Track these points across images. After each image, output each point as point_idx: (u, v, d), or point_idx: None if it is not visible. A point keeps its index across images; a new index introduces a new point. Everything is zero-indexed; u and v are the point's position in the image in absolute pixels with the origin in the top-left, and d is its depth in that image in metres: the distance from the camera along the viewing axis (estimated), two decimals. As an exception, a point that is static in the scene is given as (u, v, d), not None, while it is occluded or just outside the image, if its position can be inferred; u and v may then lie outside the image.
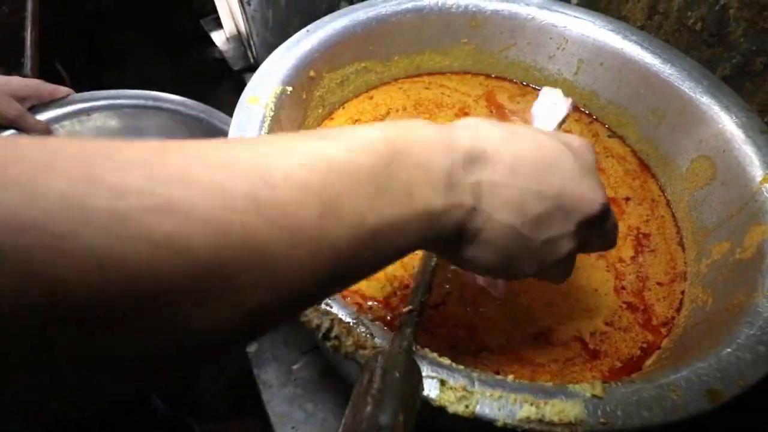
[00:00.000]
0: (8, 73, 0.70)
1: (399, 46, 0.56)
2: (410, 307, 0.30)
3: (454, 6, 0.54)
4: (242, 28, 0.84)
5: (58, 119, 0.67)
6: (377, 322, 0.32)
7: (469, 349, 0.38)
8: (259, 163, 0.17)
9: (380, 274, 0.41)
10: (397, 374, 0.22)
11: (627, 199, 0.51)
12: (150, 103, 0.70)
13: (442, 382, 0.26)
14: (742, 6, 0.47)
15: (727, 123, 0.44)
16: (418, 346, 0.28)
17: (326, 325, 0.28)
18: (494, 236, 0.23)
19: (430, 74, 0.60)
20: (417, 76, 0.60)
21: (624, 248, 0.47)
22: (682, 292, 0.44)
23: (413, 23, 0.54)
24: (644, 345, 0.41)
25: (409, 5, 0.53)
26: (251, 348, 0.61)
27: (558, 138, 0.26)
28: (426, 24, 0.55)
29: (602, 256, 0.46)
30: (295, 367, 0.60)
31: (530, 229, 0.24)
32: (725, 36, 0.50)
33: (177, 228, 0.14)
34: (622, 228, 0.48)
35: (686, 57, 0.49)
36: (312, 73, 0.49)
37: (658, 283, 0.45)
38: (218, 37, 1.12)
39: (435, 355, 0.29)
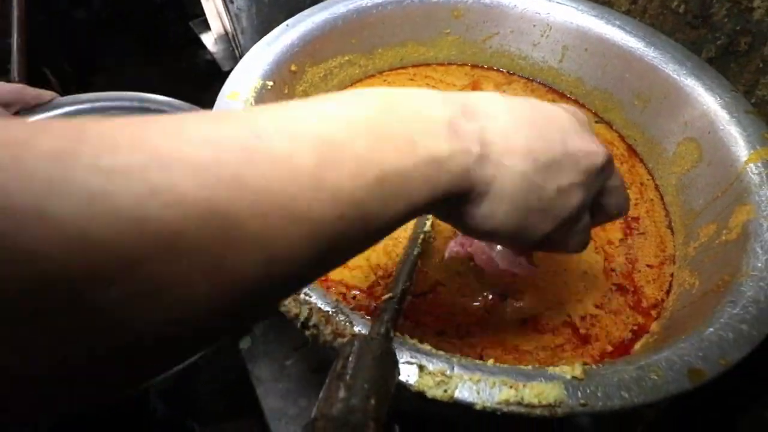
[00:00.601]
0: (-5, 78, 0.70)
1: (381, 38, 0.56)
2: (390, 294, 0.30)
3: (433, -6, 0.54)
4: (229, 27, 0.84)
5: (45, 123, 0.67)
6: (360, 312, 0.32)
7: (455, 336, 0.38)
8: (249, 119, 0.17)
9: (363, 263, 0.41)
10: (371, 359, 0.22)
11: (615, 184, 0.51)
12: (135, 104, 0.70)
13: (421, 368, 0.26)
14: (724, -14, 0.47)
15: (711, 104, 0.44)
16: (398, 333, 0.28)
17: (305, 314, 0.28)
18: (506, 186, 0.22)
19: (415, 66, 0.60)
20: (402, 68, 0.60)
21: (613, 231, 0.47)
22: (671, 275, 0.44)
23: (394, 15, 0.54)
24: (635, 327, 0.41)
25: (390, -3, 0.53)
26: (244, 344, 0.61)
27: (549, 103, 0.26)
28: (407, 15, 0.55)
29: (591, 239, 0.45)
30: (287, 363, 0.60)
31: (542, 175, 0.23)
32: (709, 17, 0.49)
33: (167, 179, 0.13)
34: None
35: (669, 40, 0.49)
36: (293, 68, 0.49)
37: (648, 266, 0.45)
38: (207, 39, 1.12)
39: (415, 341, 0.28)
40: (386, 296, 0.29)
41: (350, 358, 0.22)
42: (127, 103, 0.69)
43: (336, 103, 0.19)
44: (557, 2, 0.53)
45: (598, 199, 0.27)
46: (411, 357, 0.27)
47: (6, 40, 0.78)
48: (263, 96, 0.44)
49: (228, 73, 1.08)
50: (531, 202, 0.23)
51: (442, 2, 0.55)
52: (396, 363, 0.24)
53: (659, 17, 0.54)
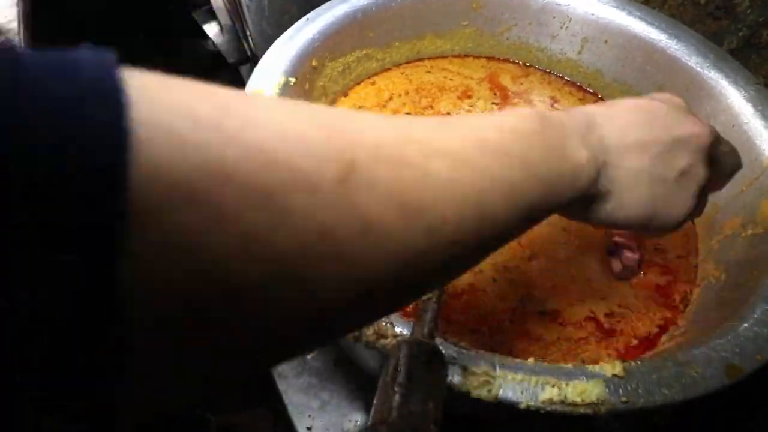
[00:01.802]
0: None
1: (399, 31, 0.55)
2: (429, 294, 0.30)
3: (452, -14, 0.54)
4: (235, 18, 0.83)
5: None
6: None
7: (486, 334, 0.39)
8: (429, 136, 0.18)
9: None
10: (422, 362, 0.22)
11: (634, 177, 0.51)
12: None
13: (465, 368, 0.26)
14: (748, -23, 0.47)
15: (735, 97, 0.44)
16: (437, 334, 0.29)
17: (346, 316, 0.28)
18: (630, 183, 0.26)
19: (431, 58, 0.60)
20: (418, 61, 0.59)
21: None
22: (695, 267, 0.45)
23: (414, 8, 0.53)
24: (661, 322, 0.41)
25: (409, -11, 0.52)
26: (264, 340, 0.62)
27: (645, 98, 0.30)
28: (426, 8, 0.54)
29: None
30: (309, 356, 0.61)
31: (661, 167, 0.26)
32: (731, 8, 0.49)
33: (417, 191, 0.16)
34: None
35: (691, 31, 0.48)
36: (314, 63, 0.48)
37: (678, 257, 0.45)
38: (211, 30, 1.10)
39: (455, 341, 0.29)
40: (426, 296, 0.30)
41: (401, 363, 0.22)
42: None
43: (504, 121, 0.22)
44: (577, -7, 0.53)
45: (715, 166, 0.30)
46: (454, 357, 0.27)
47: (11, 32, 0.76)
48: (286, 92, 0.44)
49: (233, 65, 1.07)
50: (656, 191, 0.26)
51: (460, -6, 0.54)
52: (445, 364, 0.24)
53: (680, 8, 0.54)
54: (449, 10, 0.55)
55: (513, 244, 0.43)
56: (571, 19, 0.54)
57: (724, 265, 0.40)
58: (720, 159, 0.30)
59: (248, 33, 0.78)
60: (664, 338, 0.40)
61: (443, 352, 0.25)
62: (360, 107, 0.54)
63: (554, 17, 0.54)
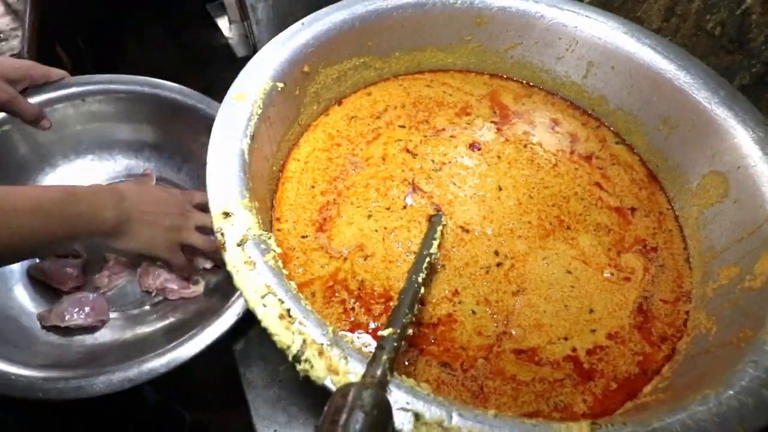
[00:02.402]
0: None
1: (399, 41, 0.53)
2: (390, 329, 0.28)
3: (459, 2, 0.52)
4: (244, 15, 0.82)
5: (51, 102, 0.65)
6: (359, 333, 0.30)
7: (458, 369, 0.37)
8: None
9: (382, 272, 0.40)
10: (365, 411, 0.20)
11: (633, 209, 0.49)
12: (147, 89, 0.68)
13: (417, 416, 0.24)
14: (765, 11, 0.44)
15: (743, 137, 0.41)
16: (396, 373, 0.27)
17: (298, 345, 0.26)
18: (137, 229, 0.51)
19: (432, 71, 0.58)
20: (419, 73, 0.58)
21: (631, 260, 0.45)
22: (687, 313, 0.42)
23: (415, 19, 0.52)
24: (641, 359, 0.39)
25: (412, 0, 0.50)
26: (238, 346, 0.60)
27: (169, 191, 0.56)
28: (428, 20, 0.52)
29: (611, 267, 0.44)
30: (282, 368, 0.59)
31: (157, 218, 0.53)
32: (746, 42, 0.47)
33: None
34: (628, 239, 0.46)
35: (702, 64, 0.46)
36: (306, 68, 0.47)
37: (662, 300, 0.43)
38: (223, 23, 1.10)
39: (413, 382, 0.27)
40: (386, 331, 0.28)
41: (344, 410, 0.21)
42: (138, 88, 0.67)
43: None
44: (586, 15, 0.51)
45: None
46: (407, 402, 0.25)
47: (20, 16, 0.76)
48: (273, 98, 0.43)
49: (242, 59, 1.06)
50: (152, 235, 0.52)
51: (465, 8, 0.52)
52: (390, 416, 0.22)
53: (692, 38, 0.51)
54: (452, 23, 0.53)
55: (500, 277, 0.41)
56: (577, 42, 0.52)
57: (717, 316, 0.38)
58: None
59: (253, 31, 0.77)
60: (647, 389, 0.38)
61: (390, 400, 0.23)
62: (353, 117, 0.53)
63: (560, 38, 0.52)
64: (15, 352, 0.52)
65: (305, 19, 0.47)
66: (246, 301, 0.28)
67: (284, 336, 0.27)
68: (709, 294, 0.41)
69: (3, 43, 0.74)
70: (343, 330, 0.38)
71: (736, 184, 0.41)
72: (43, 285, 0.62)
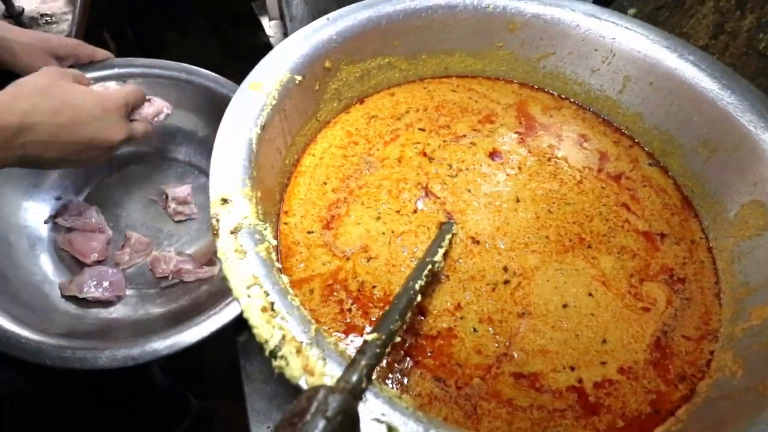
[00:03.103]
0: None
1: (427, 43, 0.52)
2: (374, 334, 0.26)
3: (491, 6, 0.50)
4: (282, 15, 0.83)
5: (94, 81, 0.67)
6: (351, 336, 0.29)
7: (453, 385, 0.35)
8: None
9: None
10: (325, 419, 0.19)
11: (662, 235, 0.45)
12: (184, 75, 0.70)
13: (390, 430, 0.23)
14: (828, 31, 0.40)
15: (789, 166, 0.38)
16: (389, 372, 0.25)
17: (276, 340, 0.25)
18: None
19: (459, 77, 0.56)
20: (446, 77, 0.56)
21: (656, 290, 0.42)
22: (711, 353, 0.39)
23: (444, 21, 0.50)
24: (654, 398, 0.36)
25: (442, 2, 0.49)
26: (241, 337, 0.60)
27: (93, 95, 0.47)
28: (458, 23, 0.51)
29: (631, 296, 0.41)
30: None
31: (71, 156, 0.47)
32: (803, 65, 0.43)
33: None
34: (654, 267, 0.43)
35: (750, 85, 0.42)
36: (328, 64, 0.46)
37: (684, 337, 0.39)
38: (266, 22, 1.12)
39: (393, 393, 0.25)
40: (370, 336, 0.26)
41: (306, 413, 0.19)
42: (175, 74, 0.69)
43: None
44: (625, 27, 0.48)
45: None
46: (383, 414, 0.23)
47: None
48: (290, 90, 0.42)
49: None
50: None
51: (498, 13, 0.51)
52: (356, 426, 0.21)
53: (742, 57, 0.48)
54: (482, 28, 0.52)
55: (506, 296, 0.39)
56: (614, 54, 0.49)
57: (744, 359, 0.34)
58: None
59: (288, 29, 0.77)
60: (658, 430, 0.35)
61: (365, 409, 0.22)
62: (373, 117, 0.52)
63: (596, 50, 0.50)
64: (32, 317, 0.54)
65: (330, 15, 0.46)
66: (231, 289, 0.27)
67: (263, 329, 0.26)
68: (738, 334, 0.37)
69: (54, 26, 0.78)
70: (338, 331, 0.37)
71: (778, 217, 0.38)
72: (67, 256, 0.65)
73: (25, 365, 0.49)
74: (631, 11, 0.57)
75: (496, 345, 0.37)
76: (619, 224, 0.45)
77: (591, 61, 0.51)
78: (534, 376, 0.35)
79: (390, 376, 0.35)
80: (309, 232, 0.43)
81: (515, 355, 0.36)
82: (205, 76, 0.69)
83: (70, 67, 0.65)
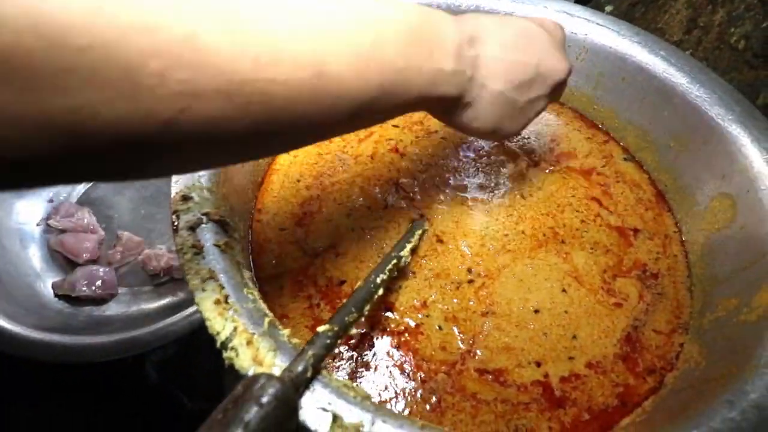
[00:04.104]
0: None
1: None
2: (326, 326, 0.27)
3: (464, 5, 0.50)
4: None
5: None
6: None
7: (416, 378, 0.35)
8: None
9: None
10: (258, 405, 0.19)
11: (636, 230, 0.45)
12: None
13: (335, 419, 0.23)
14: (794, 24, 0.41)
15: (755, 158, 0.38)
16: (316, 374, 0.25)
17: (227, 332, 0.26)
18: (487, 100, 0.31)
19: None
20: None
21: (627, 285, 0.42)
22: (681, 346, 0.39)
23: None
24: (622, 391, 0.36)
25: (415, 1, 0.50)
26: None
27: (535, 21, 0.34)
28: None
29: (603, 291, 0.41)
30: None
31: (516, 92, 0.32)
32: (772, 58, 0.43)
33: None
34: (626, 263, 0.43)
35: (719, 79, 0.43)
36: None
37: (655, 331, 0.39)
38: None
39: (342, 382, 0.25)
40: (322, 327, 0.26)
41: (239, 399, 0.19)
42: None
43: (393, 8, 0.25)
44: (597, 23, 0.48)
45: (552, 94, 0.36)
46: (329, 402, 0.24)
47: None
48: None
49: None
50: (505, 111, 0.32)
51: (472, 11, 0.51)
52: (291, 414, 0.21)
53: (715, 51, 0.48)
54: (457, 26, 0.52)
55: (470, 295, 0.39)
56: (588, 50, 0.49)
57: (708, 350, 0.34)
58: (558, 88, 0.36)
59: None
60: (624, 422, 0.35)
61: (311, 398, 0.22)
62: (349, 115, 0.52)
63: (569, 46, 0.50)
64: (24, 315, 0.55)
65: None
66: (188, 283, 0.28)
67: (215, 322, 0.26)
68: (705, 326, 0.37)
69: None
70: (306, 326, 0.37)
71: (745, 209, 0.38)
72: (60, 256, 0.66)
73: (17, 361, 0.50)
74: (608, 8, 0.57)
75: (461, 343, 0.37)
76: (591, 218, 0.45)
77: (565, 57, 0.51)
78: (498, 371, 0.36)
79: (355, 370, 0.35)
80: (281, 229, 0.43)
81: (480, 353, 0.36)
82: None
83: None
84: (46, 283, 0.64)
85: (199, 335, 0.59)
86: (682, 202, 0.45)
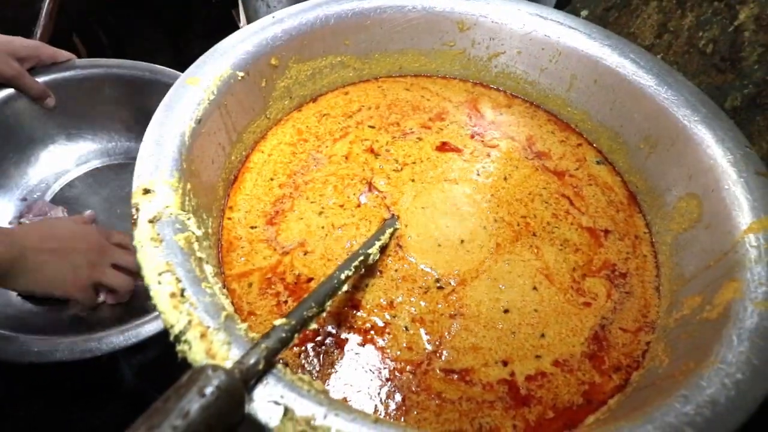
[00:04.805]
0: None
1: (379, 43, 0.53)
2: (283, 320, 0.26)
3: (439, 6, 0.51)
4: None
5: (57, 83, 0.67)
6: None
7: (381, 377, 0.34)
8: None
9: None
10: (200, 396, 0.19)
11: (606, 231, 0.46)
12: (147, 75, 0.70)
13: (286, 411, 0.23)
14: (758, 29, 0.41)
15: (719, 158, 0.38)
16: (285, 366, 0.25)
17: (182, 325, 0.25)
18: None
19: (414, 76, 0.57)
20: (400, 77, 0.57)
21: (596, 285, 0.42)
22: (648, 344, 0.39)
23: (394, 21, 0.51)
24: (587, 389, 0.36)
25: (390, 2, 0.50)
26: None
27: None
28: (409, 23, 0.52)
29: (573, 291, 0.41)
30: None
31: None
32: (738, 61, 0.44)
33: None
34: (596, 263, 0.43)
35: (687, 81, 0.43)
36: (274, 61, 0.47)
37: (622, 329, 0.39)
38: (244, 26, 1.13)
39: (296, 376, 0.25)
40: (279, 321, 0.26)
41: (181, 389, 0.19)
42: (139, 73, 0.70)
43: None
44: (569, 27, 0.49)
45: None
46: (281, 396, 0.23)
47: (37, 4, 0.80)
48: (231, 86, 0.42)
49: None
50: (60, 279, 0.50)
51: (447, 13, 0.51)
52: (236, 406, 0.20)
53: (684, 56, 0.49)
54: (434, 28, 0.52)
55: (438, 298, 0.39)
56: (560, 53, 0.50)
57: (672, 348, 0.34)
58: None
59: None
60: (589, 420, 0.35)
61: (264, 392, 0.22)
62: (325, 115, 0.52)
63: (543, 48, 0.50)
64: None
65: (276, 14, 0.47)
66: (143, 277, 0.27)
67: (170, 314, 0.26)
68: (671, 324, 0.37)
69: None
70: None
71: (709, 208, 0.38)
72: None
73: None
74: (584, 13, 0.58)
75: (428, 344, 0.37)
76: (562, 213, 0.45)
77: (540, 60, 0.52)
78: (464, 371, 0.35)
79: (320, 367, 0.35)
80: (252, 227, 0.43)
81: (446, 353, 0.36)
82: (171, 75, 0.69)
83: (32, 69, 0.65)
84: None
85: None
86: (653, 203, 0.46)
